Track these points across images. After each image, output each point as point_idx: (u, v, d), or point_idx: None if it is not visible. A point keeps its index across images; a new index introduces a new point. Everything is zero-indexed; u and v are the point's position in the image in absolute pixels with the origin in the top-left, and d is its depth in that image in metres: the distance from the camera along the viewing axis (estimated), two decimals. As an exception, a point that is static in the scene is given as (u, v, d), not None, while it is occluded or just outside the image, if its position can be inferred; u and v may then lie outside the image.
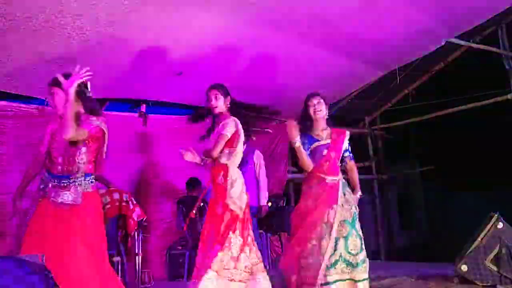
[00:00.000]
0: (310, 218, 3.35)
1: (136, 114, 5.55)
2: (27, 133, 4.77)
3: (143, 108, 5.53)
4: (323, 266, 3.19)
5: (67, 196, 2.57)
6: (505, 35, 6.14)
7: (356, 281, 3.21)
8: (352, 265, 3.23)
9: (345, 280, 3.21)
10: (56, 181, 2.61)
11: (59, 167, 2.62)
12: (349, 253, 3.26)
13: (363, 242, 3.33)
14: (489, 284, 3.68)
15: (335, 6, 4.12)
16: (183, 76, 4.95)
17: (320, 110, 3.47)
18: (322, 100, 3.50)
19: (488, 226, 3.83)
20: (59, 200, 2.57)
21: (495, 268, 3.69)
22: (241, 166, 4.99)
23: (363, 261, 3.27)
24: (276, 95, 5.96)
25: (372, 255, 6.79)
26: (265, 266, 4.94)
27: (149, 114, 5.60)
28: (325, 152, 3.45)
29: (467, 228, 4.62)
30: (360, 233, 3.35)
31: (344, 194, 3.41)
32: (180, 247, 5.12)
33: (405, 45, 5.12)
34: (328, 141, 3.48)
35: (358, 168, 5.91)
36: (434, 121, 7.89)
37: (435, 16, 4.62)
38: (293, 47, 4.76)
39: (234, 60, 4.82)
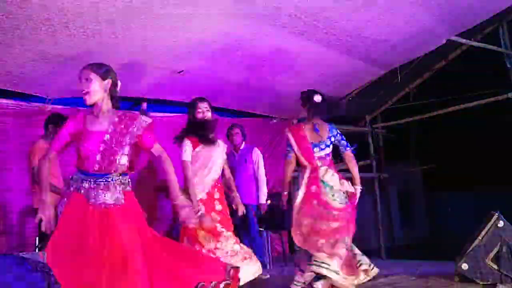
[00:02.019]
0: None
1: (137, 113, 5.54)
2: (28, 131, 4.78)
3: (144, 106, 5.53)
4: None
5: (109, 196, 2.38)
6: (506, 34, 6.13)
7: None
8: None
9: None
10: (92, 180, 2.40)
11: (97, 166, 2.40)
12: None
13: None
14: (489, 282, 3.69)
15: (336, 5, 4.11)
16: (185, 74, 4.95)
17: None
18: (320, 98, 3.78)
19: (489, 225, 3.83)
20: (100, 201, 2.36)
21: (495, 267, 3.69)
22: (240, 164, 5.02)
23: None
24: (276, 94, 5.97)
25: (373, 253, 6.79)
26: (264, 264, 4.98)
27: (150, 113, 5.61)
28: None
29: (467, 226, 4.62)
30: None
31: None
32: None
33: (406, 44, 5.12)
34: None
35: (359, 166, 5.92)
36: (435, 120, 7.88)
37: (436, 14, 4.62)
38: (293, 45, 4.76)
39: (234, 58, 4.82)
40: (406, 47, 5.24)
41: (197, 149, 3.53)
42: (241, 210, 3.82)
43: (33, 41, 3.82)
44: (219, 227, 3.46)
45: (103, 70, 2.49)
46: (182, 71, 4.88)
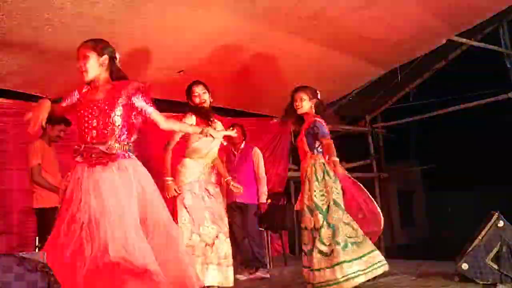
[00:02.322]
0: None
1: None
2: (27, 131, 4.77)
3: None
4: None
5: (101, 158, 2.44)
6: (506, 34, 6.13)
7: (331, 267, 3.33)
8: (326, 255, 3.35)
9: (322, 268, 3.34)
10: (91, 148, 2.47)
11: (94, 132, 2.48)
12: (323, 244, 3.38)
13: (336, 231, 3.38)
14: (489, 282, 3.68)
15: (337, 4, 4.11)
16: (185, 74, 4.95)
17: (301, 107, 3.64)
18: (306, 96, 3.67)
19: (489, 225, 3.82)
20: (94, 161, 2.44)
21: (495, 267, 3.69)
22: (240, 164, 5.02)
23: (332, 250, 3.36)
24: (277, 93, 5.96)
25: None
26: (265, 264, 4.98)
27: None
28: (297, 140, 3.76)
29: (467, 226, 4.62)
30: (335, 222, 3.40)
31: (317, 179, 3.49)
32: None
33: (406, 44, 5.12)
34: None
35: (359, 166, 5.92)
36: (435, 120, 7.90)
37: (436, 14, 4.62)
38: (294, 45, 4.76)
39: (235, 58, 4.81)
40: (406, 47, 5.24)
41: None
42: (238, 189, 3.75)
43: (33, 41, 3.82)
44: (207, 215, 3.42)
45: (100, 47, 2.60)
46: (182, 70, 4.87)
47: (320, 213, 3.43)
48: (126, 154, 2.52)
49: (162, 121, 2.73)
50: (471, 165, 12.35)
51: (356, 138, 8.16)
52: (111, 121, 2.49)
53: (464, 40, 5.84)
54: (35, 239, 4.06)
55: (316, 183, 3.50)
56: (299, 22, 4.31)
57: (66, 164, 4.29)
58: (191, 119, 3.48)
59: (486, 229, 3.82)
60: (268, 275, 4.80)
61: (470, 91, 6.97)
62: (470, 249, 3.82)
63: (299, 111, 3.66)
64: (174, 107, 6.04)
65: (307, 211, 3.52)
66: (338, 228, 3.40)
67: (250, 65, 5.03)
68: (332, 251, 3.37)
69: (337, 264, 3.32)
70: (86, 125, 2.51)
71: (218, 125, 3.66)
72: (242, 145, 5.10)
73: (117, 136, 2.51)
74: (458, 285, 3.77)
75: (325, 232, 3.40)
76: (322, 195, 3.48)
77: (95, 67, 2.54)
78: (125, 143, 2.54)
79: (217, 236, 3.43)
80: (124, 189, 2.42)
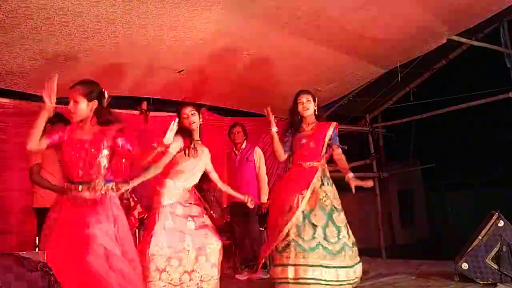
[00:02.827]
0: (278, 202, 3.61)
1: (137, 112, 5.54)
2: (27, 131, 4.76)
3: (144, 105, 5.53)
4: (273, 246, 3.47)
5: (87, 194, 2.61)
6: (507, 33, 6.12)
7: (337, 268, 3.35)
8: (332, 253, 3.36)
9: (329, 267, 3.34)
10: (77, 187, 2.64)
11: (80, 172, 2.66)
12: (328, 241, 3.39)
13: (341, 231, 3.44)
14: (489, 282, 3.69)
15: (337, 4, 4.11)
16: (184, 73, 4.95)
17: (308, 109, 3.69)
18: (311, 98, 3.71)
19: (489, 224, 3.83)
20: (79, 197, 2.61)
21: (495, 266, 3.69)
22: (241, 163, 5.02)
23: (342, 249, 3.39)
24: (276, 93, 5.96)
25: (373, 253, 6.79)
26: (265, 264, 4.98)
27: (150, 112, 5.60)
28: (303, 141, 3.68)
29: (467, 226, 4.62)
30: (339, 223, 3.46)
31: (322, 184, 3.55)
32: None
33: (406, 43, 5.11)
34: (310, 132, 3.69)
35: (359, 166, 5.94)
36: (435, 119, 7.89)
37: (437, 14, 4.61)
38: (294, 44, 4.75)
39: (235, 57, 4.81)
40: (407, 47, 5.23)
41: (181, 153, 3.33)
42: (251, 203, 3.64)
43: (33, 41, 3.82)
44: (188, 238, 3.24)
45: (90, 92, 2.76)
46: (183, 70, 4.87)
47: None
48: (109, 194, 2.67)
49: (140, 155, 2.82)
50: (471, 165, 12.34)
51: (356, 138, 8.16)
52: (96, 162, 2.66)
53: (464, 39, 5.83)
54: (35, 239, 4.05)
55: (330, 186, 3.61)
56: (299, 22, 4.30)
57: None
58: (179, 141, 3.28)
59: (486, 229, 3.82)
60: (268, 275, 4.79)
61: (470, 91, 6.95)
62: (470, 248, 3.82)
63: (306, 113, 3.70)
64: (174, 106, 6.06)
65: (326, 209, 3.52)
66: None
67: (250, 65, 5.03)
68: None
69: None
70: (73, 163, 2.68)
71: (204, 150, 3.48)
72: (244, 145, 5.10)
73: (101, 176, 2.67)
74: (458, 284, 3.77)
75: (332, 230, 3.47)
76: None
77: (84, 112, 2.73)
78: (109, 182, 2.71)
79: (196, 260, 3.22)
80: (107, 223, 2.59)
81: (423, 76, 7.27)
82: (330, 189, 3.58)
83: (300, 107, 3.70)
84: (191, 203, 3.33)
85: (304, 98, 3.70)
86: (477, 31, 5.92)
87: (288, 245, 3.42)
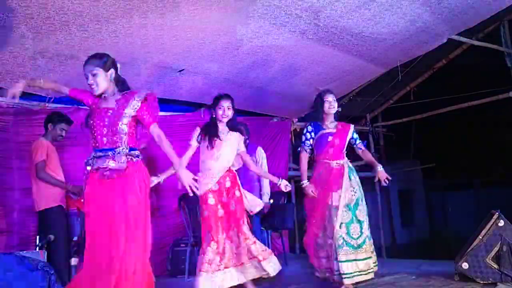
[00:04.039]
0: (320, 203, 3.80)
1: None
2: (28, 130, 4.78)
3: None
4: (334, 246, 3.66)
5: (112, 163, 2.68)
6: (507, 33, 6.13)
7: (358, 260, 3.69)
8: (354, 247, 3.70)
9: (352, 261, 3.66)
10: (102, 154, 2.72)
11: (104, 139, 2.73)
12: (351, 237, 3.71)
13: (363, 225, 3.79)
14: (489, 282, 3.68)
15: (337, 4, 4.11)
16: (185, 73, 4.95)
17: (334, 107, 3.93)
18: (335, 98, 3.97)
19: (489, 224, 3.82)
20: (104, 165, 2.69)
21: (496, 266, 3.69)
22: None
23: (363, 243, 3.76)
24: (276, 93, 5.96)
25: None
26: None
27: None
28: (330, 138, 3.89)
29: (468, 225, 4.63)
30: (361, 218, 3.79)
31: (350, 179, 3.84)
32: (183, 244, 5.13)
33: (406, 43, 5.11)
34: (334, 130, 3.93)
35: (359, 165, 5.94)
36: (436, 119, 7.89)
37: (437, 13, 4.61)
38: (294, 44, 4.75)
39: (235, 57, 4.81)
40: (407, 46, 5.23)
41: (194, 144, 3.63)
42: (284, 184, 3.75)
43: (34, 40, 3.81)
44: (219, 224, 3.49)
45: (105, 62, 2.81)
46: (183, 69, 4.87)
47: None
48: (134, 159, 2.75)
49: (159, 137, 2.83)
50: (471, 164, 12.35)
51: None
52: (118, 129, 2.74)
53: (464, 39, 5.83)
54: (36, 238, 4.06)
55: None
56: (300, 21, 4.30)
57: (66, 163, 4.33)
58: (197, 132, 3.61)
59: (487, 228, 3.82)
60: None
61: (470, 91, 6.96)
62: (470, 248, 3.82)
63: (330, 111, 3.92)
64: (174, 106, 6.06)
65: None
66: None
67: (250, 64, 5.03)
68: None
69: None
70: (98, 132, 2.76)
71: (231, 138, 3.68)
72: (246, 145, 5.10)
73: (125, 143, 2.75)
74: (458, 284, 3.77)
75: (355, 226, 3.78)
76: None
77: (103, 83, 2.78)
78: (134, 149, 2.79)
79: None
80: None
81: (424, 75, 7.28)
82: (355, 182, 3.87)
83: (326, 105, 3.90)
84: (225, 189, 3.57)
85: (330, 97, 3.93)
86: (477, 30, 5.92)
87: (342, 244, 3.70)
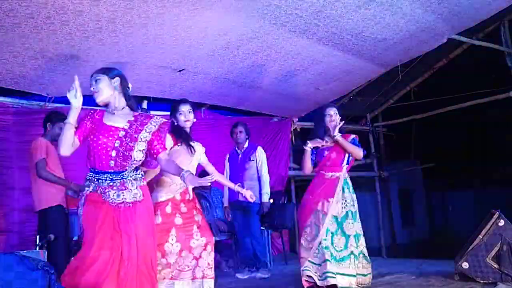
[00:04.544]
0: (308, 208, 3.82)
1: (138, 111, 5.54)
2: (28, 130, 4.78)
3: (145, 104, 5.54)
4: (313, 249, 3.66)
5: (127, 195, 2.49)
6: (508, 32, 6.12)
7: (341, 275, 3.59)
8: (336, 260, 3.62)
9: (335, 273, 3.58)
10: (108, 179, 2.49)
11: (112, 162, 2.49)
12: (334, 248, 3.66)
13: (349, 240, 3.71)
14: (490, 281, 3.69)
15: (337, 3, 4.10)
16: (185, 72, 4.95)
17: (335, 121, 3.88)
18: (337, 112, 3.93)
19: (489, 224, 3.82)
20: (120, 201, 2.47)
21: (496, 266, 3.69)
22: (244, 163, 5.02)
23: (347, 257, 3.66)
24: (277, 93, 5.96)
25: (374, 252, 6.79)
26: (266, 263, 4.99)
27: (151, 111, 5.61)
28: (326, 153, 3.90)
29: (468, 225, 4.63)
30: (348, 232, 3.73)
31: (343, 192, 3.81)
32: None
33: (407, 42, 5.10)
34: (331, 145, 3.90)
35: (360, 165, 5.93)
36: (436, 119, 7.88)
37: (437, 13, 4.60)
38: (294, 44, 4.75)
39: (235, 56, 4.81)
40: (407, 46, 5.23)
41: (175, 147, 3.34)
42: (249, 194, 3.50)
43: (34, 40, 3.81)
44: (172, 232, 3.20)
45: (110, 71, 2.66)
46: (183, 69, 4.87)
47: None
48: (143, 183, 2.60)
49: (167, 161, 2.68)
50: (471, 164, 12.34)
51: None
52: (132, 155, 2.51)
53: (465, 39, 5.83)
54: (36, 237, 4.06)
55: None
56: (300, 21, 4.30)
57: (66, 163, 4.32)
58: (169, 140, 3.31)
59: (487, 228, 3.82)
60: (268, 275, 4.81)
61: (471, 90, 6.96)
62: (470, 248, 3.82)
63: (332, 125, 3.86)
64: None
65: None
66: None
67: (250, 64, 5.03)
68: None
69: None
70: (103, 152, 2.50)
71: (197, 146, 3.46)
72: (246, 144, 5.10)
73: (134, 167, 2.57)
74: (459, 284, 3.77)
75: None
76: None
77: (107, 90, 2.59)
78: (140, 172, 2.62)
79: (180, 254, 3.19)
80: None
81: (424, 75, 7.28)
82: (349, 196, 3.82)
83: (327, 119, 3.89)
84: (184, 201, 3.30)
85: (332, 111, 3.91)
86: (477, 30, 5.92)
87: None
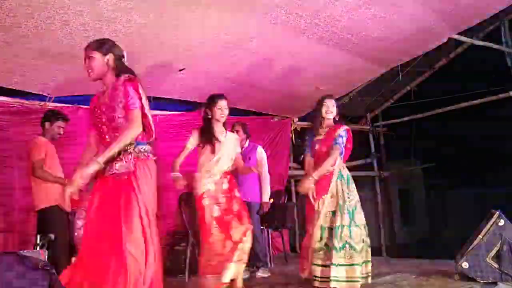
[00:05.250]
0: (308, 208, 3.81)
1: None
2: (28, 129, 4.78)
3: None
4: (311, 249, 3.65)
5: (119, 166, 2.45)
6: (508, 32, 6.12)
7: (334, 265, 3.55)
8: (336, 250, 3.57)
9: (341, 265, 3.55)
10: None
11: (107, 136, 2.50)
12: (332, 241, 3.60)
13: (345, 231, 3.63)
14: (490, 281, 3.68)
15: (337, 3, 4.11)
16: (185, 72, 4.95)
17: (331, 112, 3.86)
18: (335, 105, 3.91)
19: (489, 223, 3.82)
20: (113, 171, 2.45)
21: (496, 265, 3.69)
22: (244, 162, 5.01)
23: (342, 248, 3.59)
24: (277, 92, 5.96)
25: (374, 251, 6.79)
26: (266, 263, 4.98)
27: (151, 110, 5.60)
28: (316, 146, 3.89)
29: (468, 225, 4.62)
30: (343, 223, 3.65)
31: (336, 185, 3.76)
32: (183, 244, 5.13)
33: (407, 42, 5.11)
34: (323, 137, 3.87)
35: (360, 165, 5.93)
36: (436, 118, 7.88)
37: (438, 13, 4.61)
38: (294, 44, 4.75)
39: (235, 56, 4.81)
40: (407, 45, 5.23)
41: (199, 148, 3.65)
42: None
43: (34, 39, 3.82)
44: (214, 224, 3.45)
45: (103, 47, 2.56)
46: (183, 69, 4.87)
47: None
48: (141, 156, 2.50)
49: (131, 122, 2.46)
50: (472, 164, 12.34)
51: (357, 137, 8.17)
52: (118, 124, 2.47)
53: (465, 38, 5.83)
54: (36, 237, 4.06)
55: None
56: (300, 20, 4.30)
57: (66, 162, 4.32)
58: (194, 136, 3.61)
59: (487, 228, 3.82)
60: (268, 274, 4.80)
61: (471, 90, 6.96)
62: (470, 247, 3.82)
63: (328, 116, 3.87)
64: (174, 105, 6.07)
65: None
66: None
67: (250, 63, 5.03)
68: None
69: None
70: (100, 130, 2.54)
71: (229, 140, 3.71)
72: (246, 144, 5.09)
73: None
74: (459, 283, 3.77)
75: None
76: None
77: (99, 66, 2.53)
78: (141, 144, 2.53)
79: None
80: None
81: (424, 75, 7.28)
82: (340, 187, 3.76)
83: (324, 109, 3.87)
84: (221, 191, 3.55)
85: (329, 102, 3.89)
86: (478, 30, 5.92)
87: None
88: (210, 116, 3.64)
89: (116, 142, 2.40)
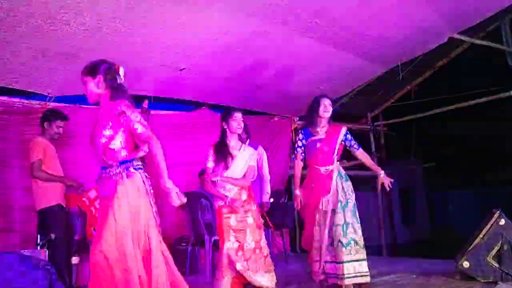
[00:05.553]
0: (309, 207, 3.84)
1: (138, 110, 5.54)
2: (29, 129, 4.78)
3: (145, 104, 5.53)
4: (324, 248, 3.68)
5: (106, 188, 2.52)
6: (508, 32, 6.11)
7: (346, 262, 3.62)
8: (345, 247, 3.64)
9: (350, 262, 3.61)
10: (103, 173, 2.58)
11: (103, 158, 2.56)
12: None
13: (349, 227, 3.70)
14: (490, 280, 3.68)
15: (338, 3, 4.11)
16: (186, 72, 4.95)
17: (329, 112, 3.90)
18: (331, 103, 3.94)
19: (490, 223, 3.82)
20: (102, 194, 2.58)
21: (496, 265, 3.69)
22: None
23: (348, 244, 3.65)
24: (277, 92, 5.96)
25: (374, 251, 6.80)
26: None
27: (151, 110, 5.61)
28: (318, 145, 3.88)
29: (468, 224, 4.62)
30: (348, 220, 3.72)
31: (337, 183, 3.82)
32: (184, 243, 5.13)
33: (408, 41, 5.11)
34: (323, 136, 3.90)
35: (360, 164, 5.94)
36: (437, 118, 7.88)
37: (438, 12, 4.61)
38: (295, 43, 4.75)
39: (236, 56, 4.81)
40: (408, 45, 5.23)
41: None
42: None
43: (34, 39, 3.82)
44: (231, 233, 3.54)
45: (92, 70, 2.62)
46: (183, 68, 4.87)
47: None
48: (124, 176, 2.51)
49: (155, 144, 2.57)
50: (472, 163, 12.34)
51: (357, 136, 8.17)
52: (104, 146, 2.52)
53: (465, 38, 5.82)
54: (37, 237, 4.06)
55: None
56: (300, 20, 4.30)
57: (66, 162, 4.33)
58: (211, 153, 3.65)
59: (488, 227, 3.82)
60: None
61: (471, 89, 6.96)
62: (471, 247, 3.82)
63: (325, 115, 3.90)
64: (175, 105, 6.07)
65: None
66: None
67: (250, 63, 5.03)
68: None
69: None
70: (98, 151, 2.57)
71: (244, 153, 3.73)
72: (246, 143, 5.09)
73: (116, 157, 2.53)
74: (459, 283, 3.77)
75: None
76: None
77: (92, 91, 2.61)
78: (127, 162, 2.55)
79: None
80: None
81: (424, 74, 7.27)
82: (340, 186, 3.81)
83: (321, 108, 3.89)
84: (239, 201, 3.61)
85: (326, 102, 3.91)
86: (478, 29, 5.91)
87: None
88: (226, 128, 3.66)
89: (160, 161, 2.54)
